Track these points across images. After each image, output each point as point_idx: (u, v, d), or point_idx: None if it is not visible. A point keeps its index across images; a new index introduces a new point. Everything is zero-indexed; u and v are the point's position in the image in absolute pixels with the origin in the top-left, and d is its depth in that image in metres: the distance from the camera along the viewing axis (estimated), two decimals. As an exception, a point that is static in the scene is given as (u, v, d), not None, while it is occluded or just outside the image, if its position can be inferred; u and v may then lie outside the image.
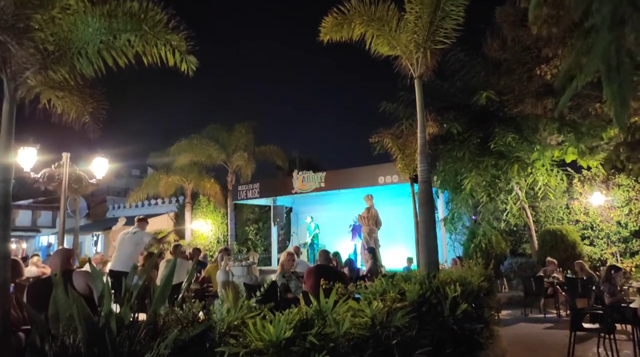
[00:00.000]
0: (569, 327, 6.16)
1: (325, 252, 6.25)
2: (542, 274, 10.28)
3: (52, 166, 8.56)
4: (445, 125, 11.35)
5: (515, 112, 11.03)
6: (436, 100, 11.52)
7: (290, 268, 6.57)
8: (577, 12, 5.02)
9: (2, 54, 3.39)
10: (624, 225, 12.67)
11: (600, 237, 13.00)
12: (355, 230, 14.92)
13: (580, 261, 10.24)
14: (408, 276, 4.66)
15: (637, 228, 12.48)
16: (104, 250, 19.67)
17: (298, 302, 3.49)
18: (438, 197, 13.50)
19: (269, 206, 18.01)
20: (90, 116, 4.42)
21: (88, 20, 3.64)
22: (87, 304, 2.83)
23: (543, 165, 11.53)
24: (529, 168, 11.63)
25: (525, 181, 12.34)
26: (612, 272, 6.74)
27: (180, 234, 19.54)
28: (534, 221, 13.24)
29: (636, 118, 9.01)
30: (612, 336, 5.83)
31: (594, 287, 8.16)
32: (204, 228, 19.75)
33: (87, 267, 4.95)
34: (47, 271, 8.23)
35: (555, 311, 9.74)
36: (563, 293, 9.63)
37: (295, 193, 15.50)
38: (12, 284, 4.13)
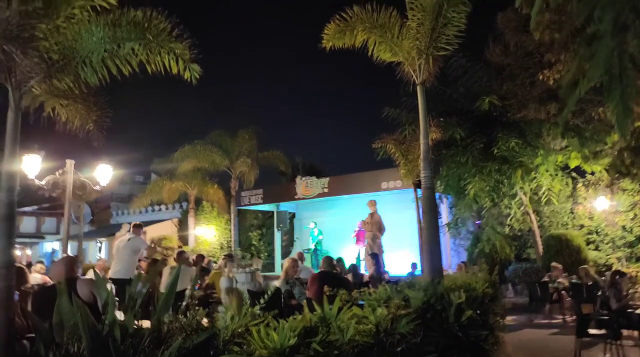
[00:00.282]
0: (574, 333, 6.12)
1: (329, 259, 6.24)
2: (547, 279, 10.23)
3: (57, 173, 8.60)
4: (448, 130, 11.34)
5: (519, 117, 11.02)
6: (439, 105, 11.52)
7: (294, 274, 6.57)
8: (580, 19, 5.02)
9: (7, 63, 3.42)
10: (629, 230, 12.60)
11: (605, 242, 12.93)
12: (359, 235, 14.89)
13: (585, 266, 10.18)
14: (412, 282, 4.64)
15: (642, 233, 12.41)
16: (108, 256, 19.72)
17: (302, 309, 3.48)
18: (442, 202, 13.46)
19: (273, 212, 18.01)
20: (94, 124, 4.44)
21: (92, 30, 3.67)
22: (92, 312, 2.84)
23: (547, 170, 11.50)
24: (533, 173, 11.60)
25: (529, 185, 12.31)
26: (617, 277, 6.71)
27: (184, 240, 19.56)
28: (538, 226, 13.19)
29: (639, 123, 8.98)
30: (618, 342, 5.79)
31: (599, 293, 8.11)
32: (208, 234, 19.76)
33: (91, 274, 4.96)
34: (47, 279, 8.24)
35: (560, 317, 9.68)
36: (568, 298, 9.58)
37: (299, 199, 15.49)
38: (17, 292, 4.14)
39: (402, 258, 13.61)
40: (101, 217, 27.37)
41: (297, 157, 22.06)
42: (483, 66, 11.95)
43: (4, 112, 3.61)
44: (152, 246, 8.09)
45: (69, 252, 12.80)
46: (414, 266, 12.00)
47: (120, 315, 3.18)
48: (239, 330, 3.18)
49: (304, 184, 15.17)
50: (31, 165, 8.38)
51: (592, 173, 12.40)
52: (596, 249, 12.95)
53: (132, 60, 3.78)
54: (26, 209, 30.05)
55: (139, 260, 9.58)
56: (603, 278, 10.09)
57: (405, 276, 9.88)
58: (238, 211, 17.89)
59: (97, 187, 9.51)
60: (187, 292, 3.69)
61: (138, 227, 7.68)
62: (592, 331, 6.07)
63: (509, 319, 9.57)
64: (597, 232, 13.09)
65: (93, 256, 24.07)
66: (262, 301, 3.58)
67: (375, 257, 9.08)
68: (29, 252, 29.09)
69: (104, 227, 26.13)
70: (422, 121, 6.76)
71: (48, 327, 2.84)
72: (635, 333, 6.33)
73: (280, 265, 16.06)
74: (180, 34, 3.84)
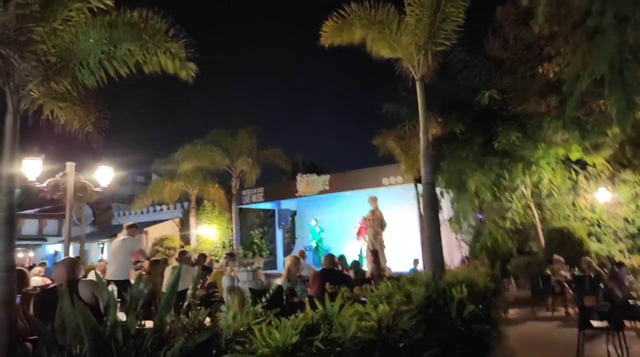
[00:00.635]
0: (577, 325, 6.12)
1: (330, 256, 6.25)
2: (549, 272, 10.21)
3: (57, 175, 8.61)
4: (448, 125, 11.32)
5: (519, 110, 11.00)
6: (439, 100, 11.49)
7: (296, 272, 6.57)
8: (580, 11, 5.01)
9: (5, 67, 3.41)
10: (631, 221, 12.58)
11: (607, 234, 12.91)
12: (361, 231, 14.91)
13: (588, 258, 10.17)
14: (414, 278, 4.64)
15: (644, 224, 12.38)
16: (110, 257, 19.73)
17: (304, 307, 3.48)
18: (443, 197, 13.45)
19: (274, 210, 18.02)
20: (93, 126, 4.45)
21: (89, 32, 3.67)
22: (94, 314, 2.84)
23: (548, 163, 11.48)
24: (534, 166, 11.58)
25: (530, 179, 12.29)
26: (616, 268, 6.74)
27: (186, 240, 19.59)
28: (540, 219, 13.17)
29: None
30: (621, 334, 5.79)
31: (601, 285, 8.11)
32: (209, 233, 19.79)
33: (92, 276, 4.97)
34: (48, 280, 8.28)
35: (563, 309, 9.68)
36: (571, 291, 9.57)
37: (300, 196, 15.49)
38: (19, 295, 4.15)
39: (404, 254, 13.61)
40: (103, 218, 27.42)
41: (298, 155, 22.07)
42: (483, 60, 11.91)
43: (2, 115, 3.61)
44: (143, 250, 8.13)
45: (71, 254, 12.82)
46: (415, 261, 12.01)
47: (122, 316, 3.19)
48: (241, 329, 3.18)
49: (305, 182, 15.17)
50: (32, 168, 8.39)
51: (594, 165, 12.38)
52: (598, 241, 12.93)
53: (129, 61, 3.78)
54: (28, 211, 30.12)
55: (140, 261, 9.61)
56: (605, 270, 10.09)
57: (407, 272, 9.90)
58: (239, 209, 17.90)
59: (98, 189, 9.52)
60: (189, 292, 3.70)
61: (132, 228, 7.71)
62: (594, 323, 6.07)
63: (512, 312, 9.58)
64: (599, 225, 13.07)
65: (95, 257, 24.12)
66: (263, 299, 3.59)
67: (375, 254, 9.10)
68: (31, 254, 29.18)
69: (106, 229, 26.17)
70: (422, 117, 6.76)
71: (50, 329, 2.85)
72: (638, 324, 6.33)
73: (282, 263, 16.08)
74: (176, 34, 3.85)
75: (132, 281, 6.93)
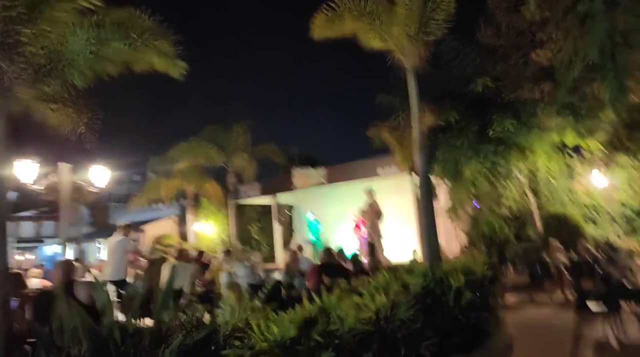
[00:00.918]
0: (575, 308, 6.18)
1: (328, 250, 6.27)
2: (546, 257, 10.28)
3: (50, 176, 8.57)
4: (442, 114, 11.30)
5: (513, 97, 10.99)
6: (432, 90, 11.46)
7: (294, 266, 6.60)
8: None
9: (-7, 70, 3.38)
10: (627, 205, 12.65)
11: (603, 217, 12.98)
12: (359, 225, 14.95)
13: (585, 242, 10.24)
14: (411, 268, 4.67)
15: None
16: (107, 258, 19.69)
17: (302, 300, 3.49)
18: (439, 186, 13.47)
19: (271, 205, 18.03)
20: (85, 127, 4.42)
21: (77, 32, 3.63)
22: (91, 314, 2.85)
23: (543, 149, 11.50)
24: (529, 153, 11.61)
25: (526, 165, 12.32)
26: (611, 252, 6.84)
27: (184, 237, 19.59)
28: (536, 205, 13.22)
29: (634, 96, 8.98)
30: (618, 315, 5.85)
31: (598, 268, 8.17)
32: (208, 230, 19.78)
33: (89, 277, 4.97)
34: (48, 283, 8.27)
35: (561, 294, 9.75)
36: (568, 275, 9.64)
37: (296, 190, 15.49)
38: (17, 297, 4.15)
39: (402, 244, 13.66)
40: (100, 218, 27.36)
41: (293, 148, 22.02)
42: (475, 48, 11.86)
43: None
44: (137, 248, 8.14)
45: (69, 255, 12.81)
46: (414, 251, 12.04)
47: (120, 316, 3.20)
48: (239, 324, 3.20)
49: (301, 175, 15.17)
50: (27, 171, 8.35)
51: (589, 150, 12.41)
52: (594, 225, 13.01)
53: (118, 60, 3.75)
54: (25, 214, 30.04)
55: (138, 260, 9.62)
56: (602, 254, 10.16)
57: (405, 262, 9.94)
58: (236, 205, 17.90)
59: (94, 189, 9.49)
60: (187, 289, 3.71)
61: (126, 228, 7.70)
62: (591, 306, 6.12)
63: (510, 298, 9.64)
64: (595, 209, 13.14)
65: (94, 257, 24.11)
66: (261, 294, 3.61)
67: (372, 247, 9.13)
68: (30, 256, 29.14)
69: (103, 228, 26.14)
70: (414, 107, 6.75)
71: (48, 331, 2.85)
72: (634, 306, 6.37)
73: (281, 257, 16.12)
74: (165, 32, 3.82)
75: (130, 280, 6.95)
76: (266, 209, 19.33)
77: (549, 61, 9.45)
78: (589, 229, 12.67)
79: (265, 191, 16.75)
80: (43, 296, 3.68)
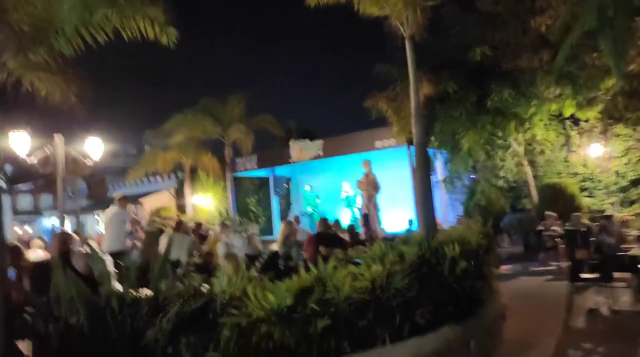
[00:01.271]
0: (568, 278, 6.27)
1: (324, 220, 6.29)
2: (541, 227, 10.37)
3: (45, 148, 8.51)
4: (440, 84, 11.18)
5: (511, 66, 10.85)
6: (430, 59, 11.30)
7: (291, 237, 6.64)
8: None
9: (-22, 39, 3.29)
10: (622, 175, 12.70)
11: (599, 188, 13.06)
12: (349, 200, 15.05)
13: (578, 213, 10.31)
14: (407, 238, 4.69)
15: (635, 177, 12.52)
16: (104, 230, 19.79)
17: (299, 271, 3.52)
18: (436, 158, 13.47)
19: (268, 177, 18.02)
20: (76, 97, 4.34)
21: (62, -2, 3.51)
22: (89, 284, 2.87)
23: (541, 120, 11.45)
24: (527, 123, 11.56)
25: (523, 136, 12.29)
26: (604, 221, 6.91)
27: (182, 210, 19.65)
28: (533, 176, 13.27)
29: (633, 66, 8.88)
30: (610, 285, 5.94)
31: (592, 238, 8.26)
32: (205, 202, 19.83)
33: (87, 248, 4.98)
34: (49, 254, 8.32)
35: (555, 263, 9.88)
36: (563, 245, 9.75)
37: (294, 162, 15.46)
38: (15, 269, 4.18)
39: (399, 215, 13.75)
40: (97, 190, 27.34)
41: (291, 121, 21.85)
42: (474, 15, 11.64)
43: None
44: (135, 217, 8.16)
45: (67, 227, 12.86)
46: (410, 222, 12.13)
47: (118, 286, 3.22)
48: (237, 293, 3.23)
49: (298, 148, 15.11)
50: (20, 142, 8.27)
51: (587, 120, 12.37)
52: (590, 195, 13.10)
53: (106, 27, 3.64)
54: (22, 186, 29.98)
55: (137, 231, 9.66)
56: (596, 224, 10.26)
57: (402, 233, 10.02)
58: (234, 177, 17.89)
59: (89, 161, 9.44)
60: (184, 260, 3.73)
61: (122, 200, 7.70)
62: (585, 275, 6.22)
63: (505, 268, 9.78)
64: (591, 179, 13.21)
65: (92, 230, 24.23)
66: (257, 264, 3.64)
67: (366, 218, 9.18)
68: (28, 229, 29.23)
69: (101, 201, 26.15)
70: (412, 76, 6.62)
71: (46, 301, 2.88)
72: (627, 275, 6.48)
73: (279, 229, 16.21)
74: (155, -2, 3.69)
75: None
76: (264, 182, 19.33)
77: (548, 29, 9.29)
78: (585, 200, 12.76)
79: (262, 164, 16.71)
80: (40, 266, 3.71)
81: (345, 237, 7.96)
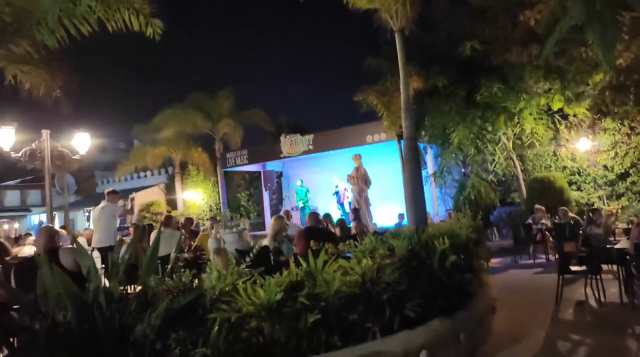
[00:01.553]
0: (557, 270, 6.32)
1: (314, 214, 6.28)
2: (530, 221, 10.47)
3: (33, 144, 8.39)
4: (430, 79, 11.20)
5: (501, 61, 10.90)
6: (420, 54, 11.31)
7: (281, 231, 6.61)
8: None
9: (-42, 30, 3.21)
10: (610, 168, 12.85)
11: (587, 181, 13.20)
12: (339, 195, 15.04)
13: (564, 207, 10.42)
14: (397, 232, 4.69)
15: (622, 171, 12.66)
16: (93, 226, 19.64)
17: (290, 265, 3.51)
18: (426, 152, 13.52)
19: (259, 172, 17.96)
20: (61, 90, 4.26)
21: (44, -12, 3.43)
22: (77, 281, 2.83)
23: (530, 114, 11.52)
24: (516, 118, 11.63)
25: (513, 130, 12.36)
26: (591, 214, 6.99)
27: (172, 205, 19.53)
28: (522, 170, 13.38)
29: (621, 60, 8.95)
30: (598, 277, 6.00)
31: (580, 231, 8.35)
32: (196, 197, 19.74)
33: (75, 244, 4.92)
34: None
35: (544, 256, 9.98)
36: (551, 238, 9.85)
37: (285, 157, 15.42)
38: (0, 265, 4.12)
39: (389, 210, 13.79)
40: (86, 186, 27.05)
41: (281, 116, 21.79)
42: (464, 9, 11.66)
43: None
44: (124, 205, 8.09)
45: (56, 224, 12.71)
46: (401, 216, 12.17)
47: (107, 282, 3.17)
48: (227, 289, 3.21)
49: (289, 142, 15.06)
50: (5, 137, 8.13)
51: (575, 115, 12.47)
52: (578, 189, 13.23)
53: (90, 18, 3.57)
54: (9, 182, 29.59)
55: (127, 227, 9.59)
56: (584, 217, 10.37)
57: (392, 227, 10.05)
58: (224, 172, 17.80)
59: (77, 156, 9.32)
60: (173, 255, 3.69)
61: (112, 194, 7.63)
62: (573, 268, 6.27)
63: (495, 261, 9.86)
64: (579, 173, 13.34)
65: (82, 226, 24.01)
66: (247, 259, 3.61)
67: (356, 212, 9.17)
68: (16, 225, 28.90)
69: (90, 197, 25.90)
70: (402, 70, 6.64)
71: (33, 298, 2.83)
72: (615, 267, 6.56)
73: (270, 224, 16.15)
74: (140, -11, 3.62)
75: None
76: (255, 177, 19.27)
77: (537, 23, 9.32)
78: (573, 194, 12.88)
79: (253, 158, 16.64)
80: (26, 263, 3.65)
81: (336, 231, 7.97)
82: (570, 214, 10.09)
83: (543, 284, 7.27)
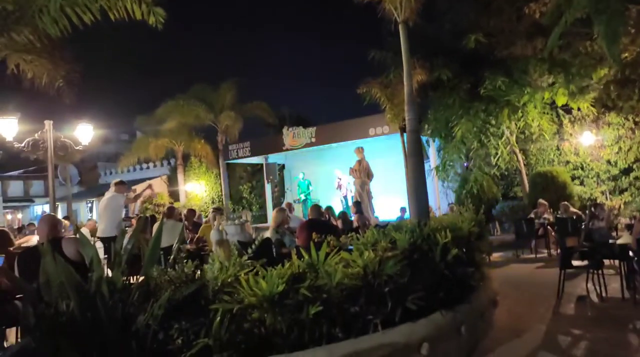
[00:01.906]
0: (559, 265, 6.32)
1: (316, 207, 6.28)
2: (533, 215, 10.45)
3: (36, 135, 8.39)
4: (434, 72, 11.14)
5: (505, 54, 10.83)
6: (424, 46, 11.24)
7: (283, 223, 6.62)
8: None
9: (-41, 18, 3.19)
10: (613, 163, 12.79)
11: (590, 176, 13.15)
12: (341, 186, 15.01)
13: (565, 202, 10.39)
14: (399, 225, 4.69)
15: (626, 166, 12.61)
16: (98, 216, 19.74)
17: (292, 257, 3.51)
18: (429, 145, 13.48)
19: (262, 164, 17.95)
20: (64, 80, 4.24)
21: (46, -24, 3.40)
22: (79, 270, 2.83)
23: (535, 107, 11.46)
24: (520, 111, 11.57)
25: (516, 124, 12.30)
26: (593, 209, 6.97)
27: (175, 197, 19.58)
28: (524, 164, 13.33)
29: (626, 54, 8.88)
30: (600, 272, 6.00)
31: (582, 226, 8.33)
32: (198, 189, 19.77)
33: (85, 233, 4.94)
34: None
35: (546, 251, 9.97)
36: (553, 233, 9.83)
37: (287, 150, 15.40)
38: (3, 255, 4.13)
39: (392, 203, 13.78)
40: (89, 177, 27.14)
41: (284, 108, 21.76)
42: (469, 1, 11.56)
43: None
44: (130, 193, 8.11)
45: (59, 214, 12.76)
46: (403, 210, 12.16)
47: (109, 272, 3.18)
48: (229, 280, 3.22)
49: (291, 135, 15.03)
50: (8, 127, 8.14)
51: (579, 109, 12.40)
52: (581, 184, 13.19)
53: (92, 7, 3.53)
54: (12, 173, 29.68)
55: (131, 218, 9.61)
56: (587, 212, 10.34)
57: (394, 220, 10.04)
58: (227, 164, 17.81)
59: (79, 147, 9.33)
60: (175, 246, 3.70)
61: (120, 185, 7.63)
62: (575, 263, 6.27)
63: (496, 255, 9.86)
64: (582, 168, 13.29)
65: (84, 217, 24.11)
66: (250, 251, 3.61)
67: (358, 205, 9.17)
68: (19, 215, 29.04)
69: (93, 188, 26.01)
70: (406, 62, 6.60)
71: (36, 287, 2.84)
72: (616, 262, 6.55)
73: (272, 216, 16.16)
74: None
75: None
76: (257, 169, 19.27)
77: (542, 16, 9.25)
78: (576, 188, 12.85)
79: (255, 151, 16.63)
80: (28, 252, 3.66)
81: (338, 224, 7.97)
82: (572, 209, 10.07)
83: (545, 279, 7.27)
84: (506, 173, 13.95)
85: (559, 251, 7.96)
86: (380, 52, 11.63)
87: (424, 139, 11.53)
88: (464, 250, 4.53)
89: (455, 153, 12.32)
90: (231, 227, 6.45)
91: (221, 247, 5.21)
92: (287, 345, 2.97)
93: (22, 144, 8.21)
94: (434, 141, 13.47)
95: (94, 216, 22.94)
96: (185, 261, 3.28)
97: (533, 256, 9.85)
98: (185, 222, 8.78)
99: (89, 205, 25.04)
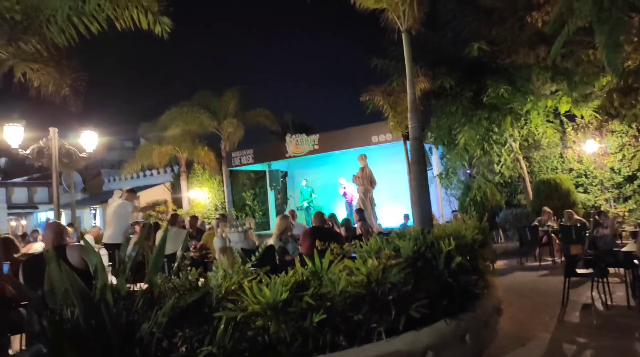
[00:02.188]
0: (563, 273, 6.28)
1: (320, 214, 6.27)
2: (537, 223, 10.41)
3: (41, 142, 8.45)
4: (437, 80, 11.18)
5: (508, 62, 10.86)
6: (427, 54, 11.29)
7: (286, 231, 6.62)
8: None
9: (-32, 27, 3.23)
10: (617, 171, 12.75)
11: (594, 184, 13.11)
12: (347, 194, 15.00)
13: (570, 210, 10.35)
14: (403, 233, 4.68)
15: (630, 174, 12.57)
16: (103, 223, 19.76)
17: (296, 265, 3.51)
18: (432, 153, 13.48)
19: (265, 171, 17.98)
20: (70, 88, 4.28)
21: (54, -14, 3.44)
22: (84, 278, 2.84)
23: (538, 115, 11.46)
24: (523, 119, 11.57)
25: (520, 132, 12.31)
26: (598, 217, 6.95)
27: (178, 204, 19.61)
28: (528, 172, 13.31)
29: (629, 62, 8.89)
30: (605, 280, 5.96)
31: (587, 234, 8.29)
32: (201, 196, 19.79)
33: (89, 240, 4.95)
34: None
35: (550, 259, 9.92)
36: (558, 241, 9.79)
37: (290, 157, 15.42)
38: (8, 262, 4.15)
39: (395, 210, 13.76)
40: (93, 184, 27.23)
41: (287, 115, 21.80)
42: (472, 10, 11.63)
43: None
44: (137, 205, 8.19)
45: (63, 221, 12.78)
46: (406, 217, 12.15)
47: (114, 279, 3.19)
48: (233, 288, 3.22)
49: (295, 142, 15.06)
50: (14, 135, 8.20)
51: (582, 117, 12.39)
52: (585, 192, 13.14)
53: (99, 17, 3.58)
54: (17, 180, 29.80)
55: (135, 224, 9.63)
56: (591, 220, 10.29)
57: (398, 228, 10.02)
58: (230, 171, 17.83)
59: (84, 155, 9.38)
60: (179, 254, 3.70)
61: (130, 192, 7.70)
62: (580, 271, 6.23)
63: (500, 263, 9.80)
64: (586, 175, 13.25)
65: (88, 224, 24.15)
66: (253, 258, 3.62)
67: (361, 213, 9.16)
68: (24, 222, 29.11)
69: (97, 195, 26.06)
70: (409, 70, 6.62)
71: (41, 294, 2.85)
72: (622, 271, 6.51)
73: (275, 223, 16.15)
74: (149, -13, 3.63)
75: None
76: (260, 176, 19.29)
77: (545, 25, 9.29)
78: (580, 196, 12.81)
79: (258, 158, 16.66)
80: (34, 259, 3.67)
81: (342, 232, 7.97)
82: (576, 217, 10.03)
83: (549, 287, 7.23)
84: (510, 181, 13.93)
85: (563, 258, 7.93)
86: (384, 61, 11.69)
87: (427, 146, 11.54)
88: (468, 258, 4.52)
89: (459, 161, 12.32)
90: (235, 235, 6.46)
91: (225, 254, 5.23)
92: (291, 353, 2.96)
93: (27, 152, 8.27)
94: (437, 149, 13.47)
95: (98, 222, 22.98)
96: (189, 268, 3.28)
97: (537, 264, 9.80)
98: (190, 230, 8.80)
99: (93, 212, 25.09)
